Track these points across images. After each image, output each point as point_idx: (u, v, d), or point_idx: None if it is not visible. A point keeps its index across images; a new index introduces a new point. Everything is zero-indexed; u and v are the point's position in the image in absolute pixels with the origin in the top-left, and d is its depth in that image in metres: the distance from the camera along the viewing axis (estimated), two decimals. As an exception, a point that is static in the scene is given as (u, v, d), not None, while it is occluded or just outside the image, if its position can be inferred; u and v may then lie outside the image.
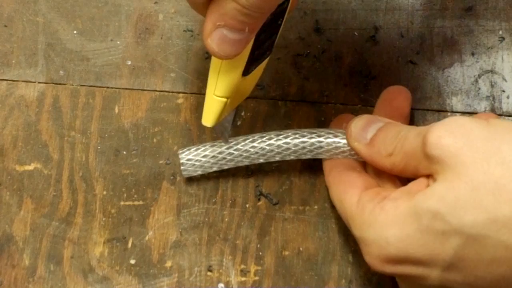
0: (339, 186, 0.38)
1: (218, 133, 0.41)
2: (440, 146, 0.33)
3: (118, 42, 0.46)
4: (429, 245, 0.32)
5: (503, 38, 0.45)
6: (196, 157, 0.41)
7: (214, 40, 0.32)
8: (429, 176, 0.34)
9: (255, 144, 0.40)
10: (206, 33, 0.32)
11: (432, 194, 0.32)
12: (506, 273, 0.31)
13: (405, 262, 0.33)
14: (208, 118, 0.37)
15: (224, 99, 0.36)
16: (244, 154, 0.41)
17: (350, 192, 0.37)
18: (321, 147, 0.40)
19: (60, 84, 0.45)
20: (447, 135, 0.33)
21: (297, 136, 0.40)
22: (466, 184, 0.31)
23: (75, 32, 0.46)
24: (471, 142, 0.32)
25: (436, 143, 0.33)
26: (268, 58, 0.39)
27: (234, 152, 0.41)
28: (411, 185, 0.35)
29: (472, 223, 0.31)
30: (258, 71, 0.39)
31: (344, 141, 0.39)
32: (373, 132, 0.37)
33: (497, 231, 0.30)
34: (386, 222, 0.33)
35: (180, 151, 0.42)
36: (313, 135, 0.40)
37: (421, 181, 0.34)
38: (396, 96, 0.41)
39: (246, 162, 0.41)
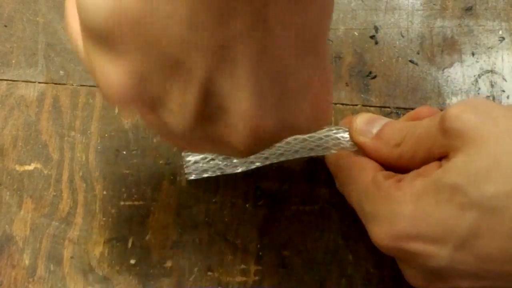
0: (351, 168, 0.38)
1: None
2: (461, 119, 0.32)
3: (118, 42, 0.46)
4: (444, 221, 0.31)
5: (503, 38, 0.45)
6: (201, 161, 0.41)
7: None
8: (441, 158, 0.34)
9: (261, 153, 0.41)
10: None
11: (452, 168, 0.32)
12: None
13: (416, 239, 0.32)
14: None
15: None
16: (248, 160, 0.41)
17: (364, 172, 0.36)
18: (319, 145, 0.40)
19: (60, 84, 0.45)
20: (469, 110, 0.32)
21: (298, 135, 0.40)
22: (488, 157, 0.31)
23: (75, 32, 0.46)
24: (493, 118, 0.32)
25: (457, 116, 0.32)
26: None
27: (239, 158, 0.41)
28: (424, 168, 0.35)
29: (493, 194, 0.30)
30: None
31: (346, 137, 0.39)
32: (379, 127, 0.37)
33: None
34: (402, 199, 0.33)
35: (184, 153, 0.42)
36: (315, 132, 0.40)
37: (434, 164, 0.34)
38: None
39: (252, 166, 0.41)
